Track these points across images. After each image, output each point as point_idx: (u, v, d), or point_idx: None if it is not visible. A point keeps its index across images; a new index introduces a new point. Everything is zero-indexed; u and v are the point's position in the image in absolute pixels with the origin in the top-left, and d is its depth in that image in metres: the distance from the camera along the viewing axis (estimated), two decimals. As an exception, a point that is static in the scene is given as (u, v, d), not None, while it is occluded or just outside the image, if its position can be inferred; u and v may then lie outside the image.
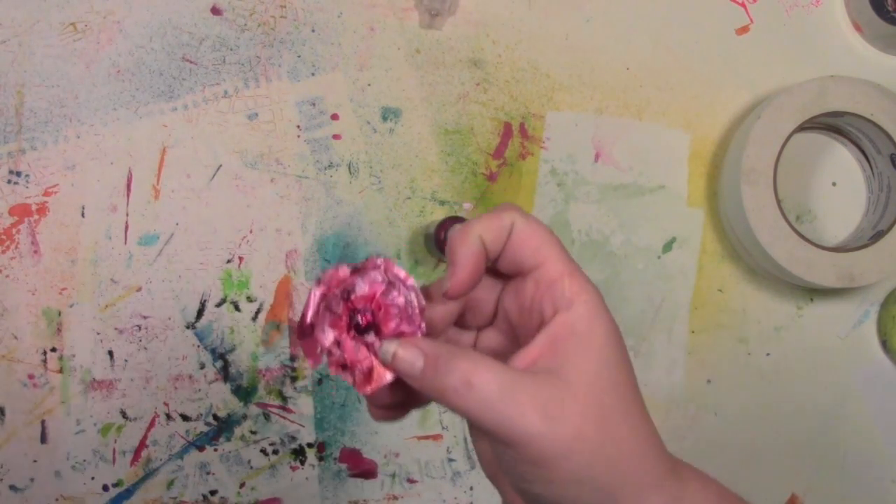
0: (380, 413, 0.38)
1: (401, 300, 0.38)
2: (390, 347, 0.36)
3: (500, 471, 0.38)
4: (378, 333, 0.37)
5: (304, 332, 0.37)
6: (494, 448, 0.36)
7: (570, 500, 0.35)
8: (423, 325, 0.38)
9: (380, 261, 0.38)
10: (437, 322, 0.38)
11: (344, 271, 0.37)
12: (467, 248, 0.36)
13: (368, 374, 0.37)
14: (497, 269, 0.38)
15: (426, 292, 0.39)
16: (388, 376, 0.37)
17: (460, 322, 0.40)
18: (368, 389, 0.37)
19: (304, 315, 0.36)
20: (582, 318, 0.35)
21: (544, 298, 0.36)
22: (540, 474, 0.34)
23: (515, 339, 0.39)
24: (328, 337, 0.37)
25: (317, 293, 0.37)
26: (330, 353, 0.37)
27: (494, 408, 0.33)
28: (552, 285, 0.36)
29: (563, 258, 0.36)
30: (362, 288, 0.37)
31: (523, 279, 0.37)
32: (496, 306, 0.40)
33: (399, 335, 0.37)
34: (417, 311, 0.37)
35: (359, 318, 0.37)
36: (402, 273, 0.38)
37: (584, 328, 0.35)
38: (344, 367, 0.37)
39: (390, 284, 0.38)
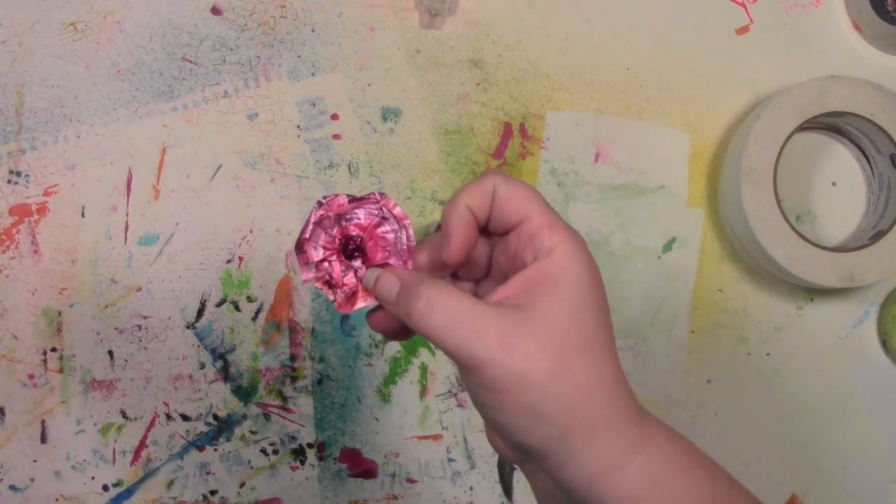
0: (377, 328, 0.41)
1: (391, 235, 0.41)
2: (373, 274, 0.40)
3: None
4: (366, 262, 0.41)
5: (299, 247, 0.40)
6: (461, 376, 0.38)
7: (522, 429, 0.36)
8: (410, 263, 0.40)
9: (379, 196, 0.40)
10: (425, 270, 0.41)
11: (343, 199, 0.40)
12: (457, 218, 0.38)
13: (351, 296, 0.40)
14: (489, 230, 0.40)
15: (421, 243, 0.41)
16: (369, 301, 0.40)
17: (459, 274, 0.43)
18: (348, 308, 0.40)
19: (302, 231, 0.40)
20: (556, 264, 0.37)
21: (526, 248, 0.38)
22: (494, 399, 0.36)
23: None
24: (318, 253, 0.40)
25: (316, 213, 0.40)
26: (317, 267, 0.40)
27: (453, 332, 0.35)
28: (533, 237, 0.38)
29: (543, 212, 0.38)
30: (358, 217, 0.41)
31: (510, 234, 0.39)
32: (489, 260, 0.42)
33: (384, 266, 0.40)
34: (406, 248, 0.40)
35: (349, 243, 0.41)
36: (399, 211, 0.41)
37: (557, 272, 0.37)
38: (329, 285, 0.41)
39: (385, 219, 0.41)
